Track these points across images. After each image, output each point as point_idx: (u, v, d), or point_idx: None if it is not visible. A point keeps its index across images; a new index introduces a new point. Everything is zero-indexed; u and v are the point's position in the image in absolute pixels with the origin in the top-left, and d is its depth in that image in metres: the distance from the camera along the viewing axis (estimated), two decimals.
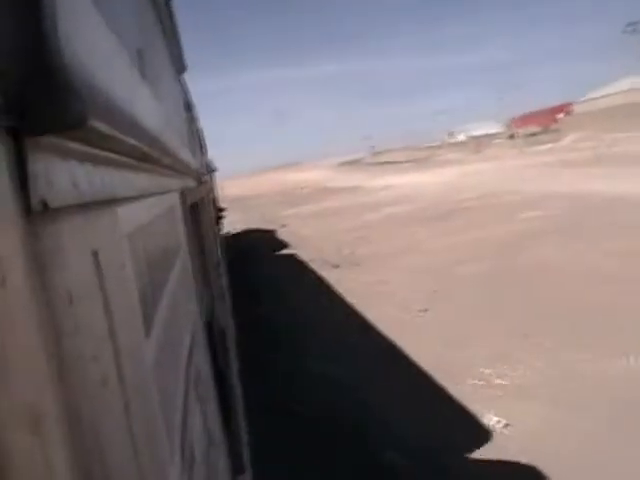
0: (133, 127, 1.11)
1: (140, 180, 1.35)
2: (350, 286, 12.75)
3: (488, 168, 47.01)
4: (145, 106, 1.44)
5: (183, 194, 3.17)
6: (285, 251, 19.56)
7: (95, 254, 0.81)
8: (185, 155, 3.81)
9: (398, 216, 24.88)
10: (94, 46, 0.79)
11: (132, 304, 1.02)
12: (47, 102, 0.57)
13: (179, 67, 5.42)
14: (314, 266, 15.79)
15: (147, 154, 1.44)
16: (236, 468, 3.92)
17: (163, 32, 3.70)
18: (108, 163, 0.95)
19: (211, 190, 14.64)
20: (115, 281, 0.90)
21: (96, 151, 0.86)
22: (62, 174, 0.69)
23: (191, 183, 4.54)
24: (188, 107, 9.28)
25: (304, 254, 18.01)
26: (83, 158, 0.79)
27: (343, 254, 16.90)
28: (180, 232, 2.73)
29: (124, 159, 1.12)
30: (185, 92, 8.34)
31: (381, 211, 28.47)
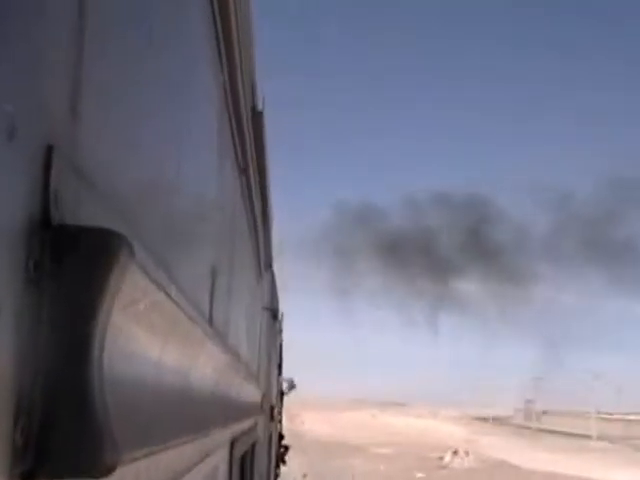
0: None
1: (171, 464, 1.39)
2: None
3: None
4: (194, 376, 1.54)
5: (234, 444, 3.20)
6: None
7: None
8: (248, 393, 3.90)
9: None
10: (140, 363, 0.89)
11: None
12: (73, 449, 0.64)
13: (266, 266, 5.76)
14: None
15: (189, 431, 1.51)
16: None
17: (252, 235, 4.02)
18: None
19: (278, 421, 14.55)
20: None
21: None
22: None
23: (250, 422, 4.58)
24: (274, 315, 9.59)
25: None
26: None
27: None
28: None
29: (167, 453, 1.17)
30: (273, 297, 8.71)
31: None
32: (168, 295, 1.07)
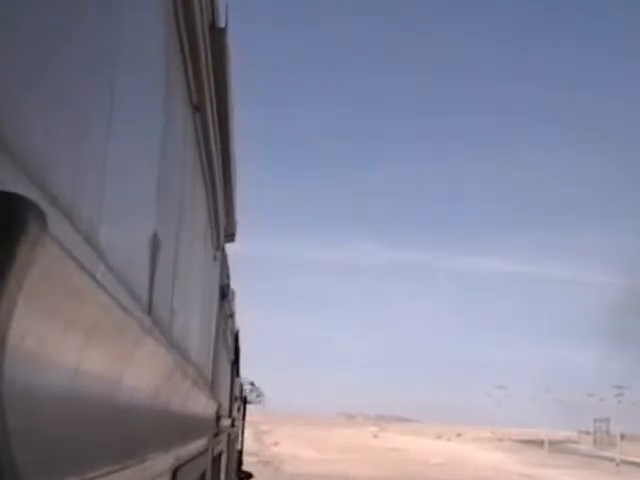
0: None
1: None
2: None
3: None
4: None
5: (177, 473, 3.20)
6: None
7: None
8: (199, 404, 3.92)
9: None
10: None
11: None
12: None
13: (218, 245, 5.77)
14: None
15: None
16: None
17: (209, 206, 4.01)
18: None
19: (235, 438, 14.58)
20: None
21: None
22: None
23: (200, 444, 4.60)
24: (223, 294, 9.68)
25: None
26: None
27: None
28: None
29: None
30: (222, 270, 8.75)
31: None
32: (93, 276, 1.07)
